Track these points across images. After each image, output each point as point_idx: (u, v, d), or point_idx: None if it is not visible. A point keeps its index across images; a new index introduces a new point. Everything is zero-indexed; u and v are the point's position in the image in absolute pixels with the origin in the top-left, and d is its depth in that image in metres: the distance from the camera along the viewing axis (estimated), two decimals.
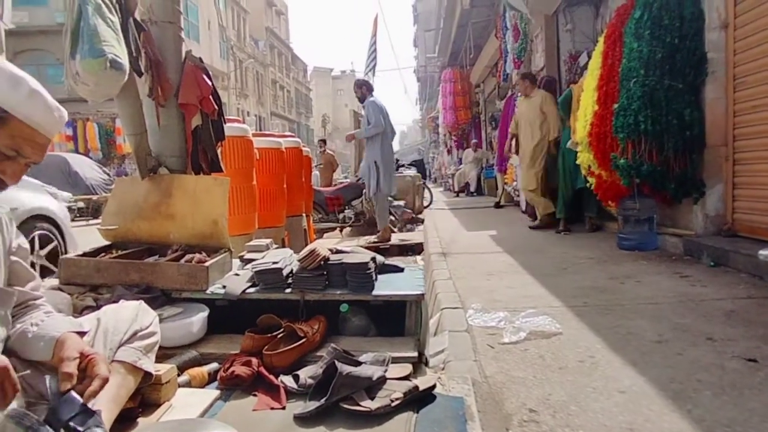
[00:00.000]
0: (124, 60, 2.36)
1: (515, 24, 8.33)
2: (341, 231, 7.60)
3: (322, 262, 2.25)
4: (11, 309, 1.28)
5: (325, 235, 7.37)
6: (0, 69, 1.13)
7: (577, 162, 4.92)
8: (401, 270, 2.61)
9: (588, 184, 4.87)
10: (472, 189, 13.53)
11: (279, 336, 1.99)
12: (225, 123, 3.23)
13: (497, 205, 9.20)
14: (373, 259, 2.38)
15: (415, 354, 2.02)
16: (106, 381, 1.19)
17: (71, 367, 1.14)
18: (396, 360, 1.89)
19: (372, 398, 1.58)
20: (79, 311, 2.13)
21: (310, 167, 6.15)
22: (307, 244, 4.98)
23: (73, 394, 1.10)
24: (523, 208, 6.95)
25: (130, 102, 2.74)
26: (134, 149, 2.85)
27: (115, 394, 1.33)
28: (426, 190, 10.55)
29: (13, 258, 1.31)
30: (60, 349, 1.21)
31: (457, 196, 14.21)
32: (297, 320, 2.12)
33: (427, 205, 10.22)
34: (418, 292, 2.23)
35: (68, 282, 2.38)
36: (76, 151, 16.04)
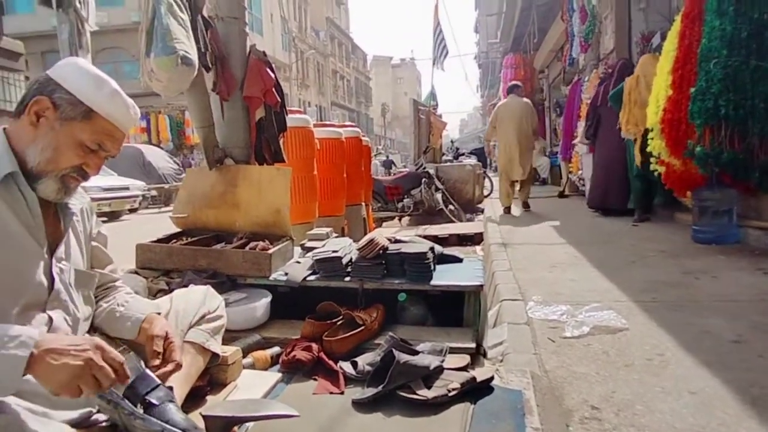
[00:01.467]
0: (194, 56, 2.46)
1: (582, 5, 7.96)
2: (400, 220, 7.64)
3: (380, 252, 2.27)
4: (94, 290, 1.39)
5: (384, 224, 7.43)
6: (87, 71, 1.22)
7: (648, 150, 4.67)
8: (460, 260, 2.59)
9: (656, 173, 4.61)
10: (544, 176, 12.97)
11: (338, 323, 2.03)
12: (287, 114, 3.31)
13: (561, 195, 8.90)
14: (432, 249, 2.38)
15: (473, 345, 2.01)
16: (179, 367, 1.29)
17: (159, 346, 1.27)
18: (453, 350, 1.89)
19: (429, 387, 1.58)
20: (153, 294, 2.27)
21: (370, 157, 6.20)
22: (366, 233, 5.04)
23: (149, 371, 1.18)
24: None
25: (199, 96, 2.86)
26: (202, 141, 2.98)
27: (186, 372, 1.41)
28: (486, 179, 10.36)
29: (94, 243, 1.43)
30: (148, 327, 1.33)
31: None
32: (356, 308, 2.16)
33: (488, 195, 10.04)
34: (477, 283, 2.20)
35: (143, 266, 2.54)
36: (150, 142, 17.00)
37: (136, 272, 2.51)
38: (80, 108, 1.18)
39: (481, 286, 2.20)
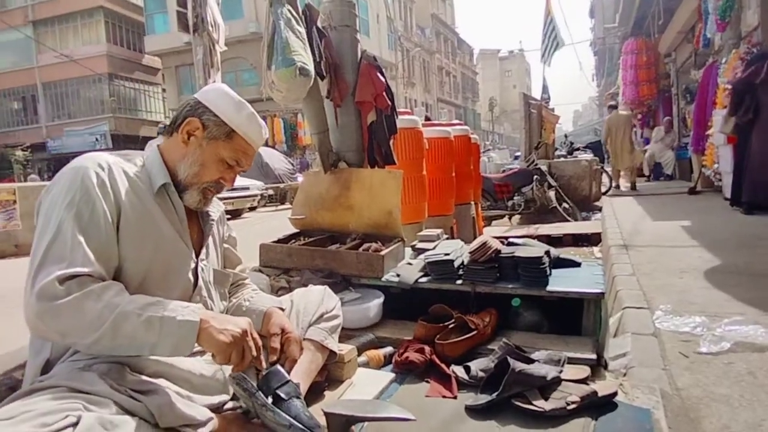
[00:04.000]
0: (310, 66, 2.60)
1: None
2: (510, 219, 7.42)
3: (493, 255, 2.23)
4: (227, 288, 1.53)
5: (494, 222, 7.27)
6: (230, 96, 1.36)
7: None
8: (578, 264, 2.46)
9: None
10: (668, 172, 11.76)
11: (450, 326, 2.03)
12: (397, 117, 3.36)
13: (692, 191, 8.05)
14: (548, 252, 2.29)
15: (594, 356, 1.90)
16: (295, 362, 1.40)
17: (276, 343, 1.37)
18: (572, 361, 1.80)
19: (546, 399, 1.53)
20: (275, 291, 2.44)
21: (479, 154, 6.09)
22: (475, 232, 4.98)
23: (279, 366, 1.27)
24: (728, 194, 5.92)
25: (315, 103, 3.01)
26: (317, 146, 3.13)
27: (307, 368, 1.50)
28: (604, 175, 9.71)
29: (226, 246, 1.58)
30: (267, 322, 1.44)
31: (648, 179, 12.65)
32: (467, 312, 2.14)
33: (606, 191, 9.40)
34: (598, 291, 2.08)
35: (266, 265, 2.73)
36: (266, 144, 18.20)
37: (260, 270, 2.71)
38: (224, 128, 1.32)
39: (603, 293, 2.08)
